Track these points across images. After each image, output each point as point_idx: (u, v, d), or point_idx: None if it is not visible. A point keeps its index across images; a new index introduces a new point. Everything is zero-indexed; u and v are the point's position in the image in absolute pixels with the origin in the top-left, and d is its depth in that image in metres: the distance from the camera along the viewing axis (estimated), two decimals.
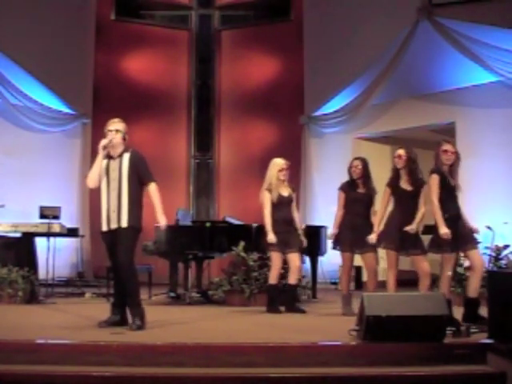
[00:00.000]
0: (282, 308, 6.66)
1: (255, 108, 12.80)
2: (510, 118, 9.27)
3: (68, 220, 9.47)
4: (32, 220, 8.50)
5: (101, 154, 5.25)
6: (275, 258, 6.68)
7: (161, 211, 5.28)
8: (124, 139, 5.32)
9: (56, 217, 8.62)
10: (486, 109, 9.59)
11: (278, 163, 6.76)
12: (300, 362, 4.19)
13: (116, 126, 5.31)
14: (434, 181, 5.41)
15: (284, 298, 6.76)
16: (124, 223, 5.17)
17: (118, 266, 5.22)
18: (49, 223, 8.01)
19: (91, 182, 5.32)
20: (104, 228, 5.25)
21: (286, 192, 6.77)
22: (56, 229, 8.03)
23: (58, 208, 8.88)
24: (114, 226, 5.19)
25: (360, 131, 11.24)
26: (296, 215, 6.85)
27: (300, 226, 6.90)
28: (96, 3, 12.57)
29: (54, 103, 11.48)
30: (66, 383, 3.96)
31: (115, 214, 5.18)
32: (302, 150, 11.82)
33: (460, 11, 9.51)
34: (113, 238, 5.21)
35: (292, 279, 6.73)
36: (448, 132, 9.70)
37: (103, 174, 5.27)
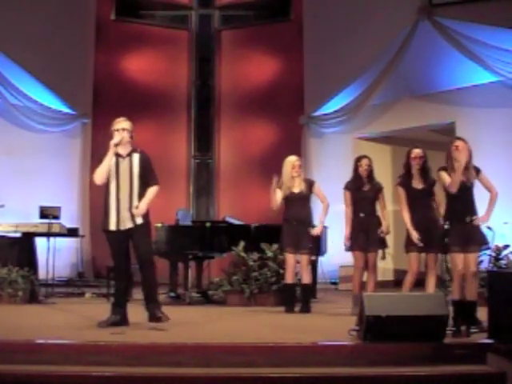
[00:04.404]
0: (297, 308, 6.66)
1: (255, 108, 12.78)
2: (510, 118, 9.27)
3: (68, 220, 9.47)
4: (32, 220, 8.51)
5: (112, 150, 5.25)
6: (287, 257, 6.70)
7: (147, 202, 5.26)
8: (131, 137, 5.36)
9: (56, 217, 8.62)
10: (485, 109, 9.58)
11: (290, 161, 6.75)
12: (300, 362, 4.19)
13: (122, 124, 5.33)
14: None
15: (300, 297, 6.80)
16: (139, 220, 5.25)
17: (140, 262, 5.28)
18: (49, 223, 8.03)
19: (99, 178, 5.29)
20: (112, 227, 5.25)
21: (297, 189, 6.71)
22: (56, 229, 8.05)
23: (58, 208, 8.88)
24: (128, 225, 5.23)
25: (360, 131, 11.24)
26: (322, 211, 6.78)
27: (319, 219, 6.80)
28: (96, 3, 12.56)
29: (53, 103, 11.47)
30: (66, 383, 3.97)
31: (128, 213, 5.21)
32: (302, 150, 11.78)
33: (460, 11, 9.50)
34: (124, 237, 5.25)
35: (303, 279, 6.73)
36: (448, 132, 9.69)
37: (112, 173, 5.28)
